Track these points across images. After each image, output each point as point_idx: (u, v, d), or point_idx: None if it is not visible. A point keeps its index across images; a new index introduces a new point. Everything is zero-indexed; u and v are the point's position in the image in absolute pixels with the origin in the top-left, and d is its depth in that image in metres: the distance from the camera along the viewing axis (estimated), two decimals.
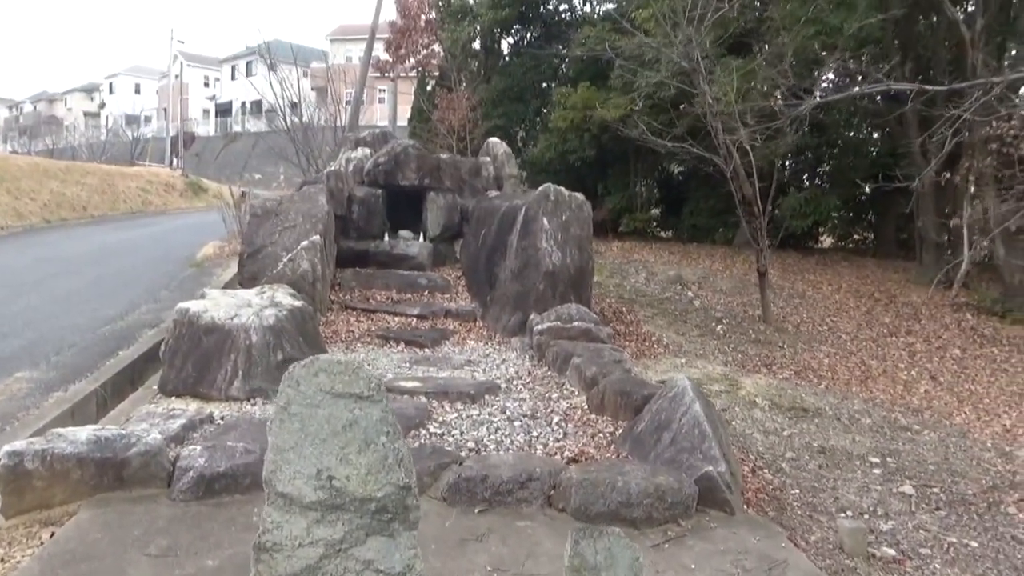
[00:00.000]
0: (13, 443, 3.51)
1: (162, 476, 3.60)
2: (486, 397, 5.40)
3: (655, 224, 18.77)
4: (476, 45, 20.09)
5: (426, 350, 6.89)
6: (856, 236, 17.72)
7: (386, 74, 24.71)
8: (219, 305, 5.54)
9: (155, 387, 5.44)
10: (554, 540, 3.30)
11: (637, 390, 5.04)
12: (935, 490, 4.61)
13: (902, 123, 12.61)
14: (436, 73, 22.87)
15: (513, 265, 7.79)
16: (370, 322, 7.61)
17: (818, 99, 7.07)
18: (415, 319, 7.81)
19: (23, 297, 8.95)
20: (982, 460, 5.48)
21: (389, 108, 27.26)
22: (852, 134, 15.84)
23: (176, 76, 44.51)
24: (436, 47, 22.77)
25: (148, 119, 55.17)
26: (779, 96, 8.44)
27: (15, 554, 3.07)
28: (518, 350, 7.01)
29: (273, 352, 5.26)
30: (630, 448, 4.36)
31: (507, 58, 19.25)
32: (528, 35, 18.60)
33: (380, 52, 24.61)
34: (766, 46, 11.09)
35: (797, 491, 4.37)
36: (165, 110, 51.39)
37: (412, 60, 23.38)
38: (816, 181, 16.57)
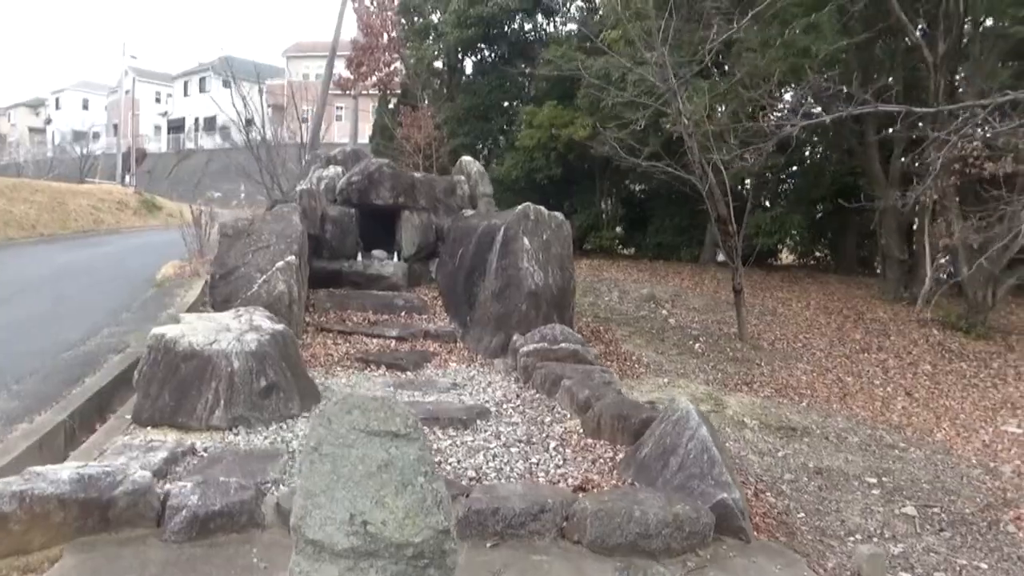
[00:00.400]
0: None
1: (151, 516, 3.37)
2: (478, 422, 5.25)
3: (618, 242, 18.86)
4: (440, 63, 20.04)
5: (408, 373, 6.71)
6: (817, 253, 18.05)
7: (347, 91, 24.50)
8: (196, 330, 5.29)
9: (128, 416, 5.16)
10: (572, 574, 3.16)
11: (635, 413, 4.95)
12: (935, 510, 4.60)
13: (863, 144, 12.88)
14: (399, 91, 22.76)
15: (493, 285, 7.66)
16: (348, 345, 7.39)
17: (802, 120, 7.11)
18: (394, 341, 7.62)
19: None
20: (971, 477, 5.52)
21: (350, 126, 26.99)
22: (813, 154, 16.17)
23: (127, 91, 43.47)
24: (399, 65, 22.69)
25: (96, 135, 53.76)
26: (761, 116, 8.49)
27: None
28: (502, 372, 6.87)
29: (256, 379, 5.03)
30: (635, 474, 4.26)
31: (472, 77, 19.21)
32: (493, 54, 18.59)
33: (341, 69, 24.43)
34: (735, 68, 11.21)
35: (803, 514, 4.31)
36: (115, 126, 50.15)
37: (374, 78, 23.23)
38: (779, 200, 16.83)
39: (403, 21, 21.19)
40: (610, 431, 4.95)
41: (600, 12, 14.11)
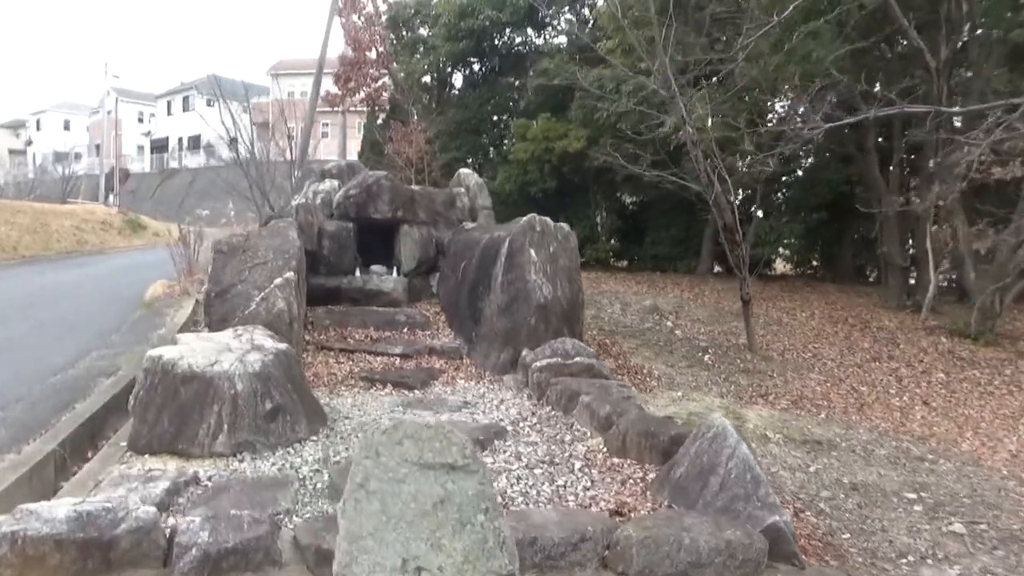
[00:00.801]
0: None
1: (157, 555, 3.07)
2: (496, 442, 4.98)
3: (611, 254, 18.69)
4: (430, 78, 19.88)
5: (416, 392, 6.43)
6: (813, 262, 17.94)
7: (335, 107, 24.24)
8: (196, 351, 5.00)
9: (123, 444, 4.85)
10: None
11: (662, 430, 4.71)
12: (983, 527, 4.38)
13: (863, 150, 12.78)
14: (387, 106, 22.58)
15: (500, 300, 7.41)
16: (351, 363, 7.11)
17: (826, 124, 6.93)
18: (398, 358, 7.34)
19: None
20: (1008, 490, 5.30)
21: (338, 142, 26.74)
22: (810, 161, 16.08)
23: (110, 111, 43.04)
24: (387, 80, 22.48)
25: (78, 156, 53.12)
26: (778, 121, 8.29)
27: None
28: (513, 389, 6.61)
29: (261, 401, 4.74)
30: (671, 495, 4.00)
31: (463, 90, 19.06)
32: (484, 67, 18.45)
33: (328, 85, 24.18)
34: (734, 76, 11.08)
35: (848, 535, 4.07)
36: (98, 146, 49.69)
37: (362, 93, 22.99)
38: (776, 209, 16.72)
39: (391, 36, 21.05)
40: (637, 450, 4.70)
41: (595, 22, 13.93)
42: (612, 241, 18.45)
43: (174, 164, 52.25)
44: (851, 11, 10.21)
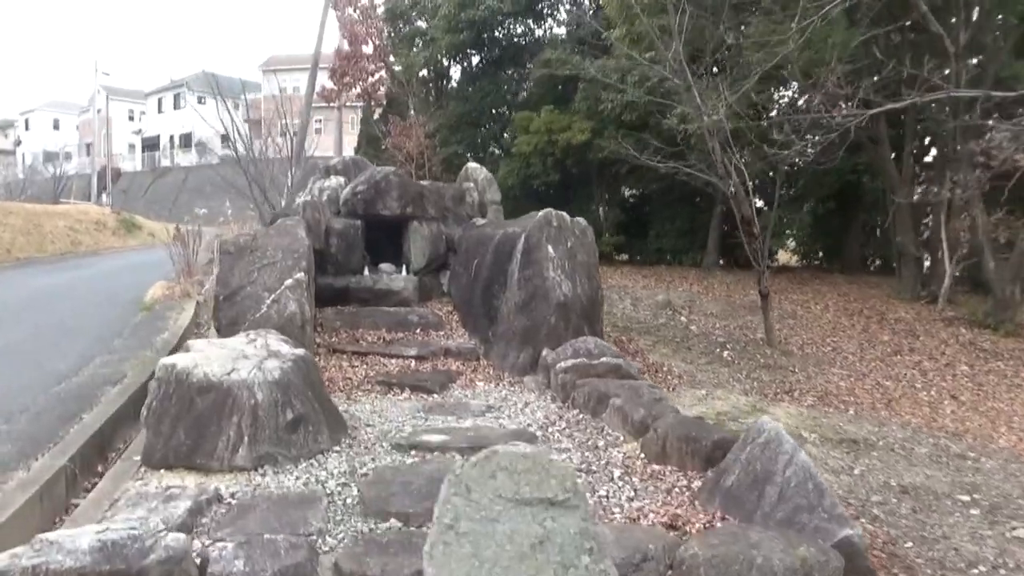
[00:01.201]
0: None
1: None
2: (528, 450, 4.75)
3: (613, 248, 18.48)
4: (428, 71, 19.58)
5: (435, 396, 6.20)
6: (820, 253, 17.75)
7: (331, 103, 23.93)
8: (210, 358, 4.74)
9: (137, 458, 4.60)
10: None
11: (704, 435, 4.49)
12: None
13: (875, 139, 12.57)
14: (384, 101, 22.29)
15: (516, 298, 7.18)
16: (365, 366, 6.86)
17: (870, 110, 6.70)
18: (413, 360, 7.10)
19: None
20: None
21: (333, 138, 26.41)
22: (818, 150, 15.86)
23: (100, 110, 42.54)
24: (383, 74, 22.18)
25: (68, 155, 52.59)
26: (821, 108, 7.99)
27: None
28: (535, 391, 6.38)
29: (282, 411, 4.50)
30: (722, 506, 3.78)
31: (463, 83, 18.77)
32: (484, 59, 18.16)
33: (323, 80, 23.86)
34: (750, 64, 10.85)
35: (910, 544, 3.86)
36: (88, 145, 49.18)
37: (358, 88, 22.69)
38: (784, 199, 16.50)
39: (388, 29, 20.74)
40: (678, 455, 4.47)
41: (602, 11, 13.65)
42: (615, 235, 18.23)
43: (166, 162, 51.74)
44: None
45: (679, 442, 4.49)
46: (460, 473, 1.57)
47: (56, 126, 59.42)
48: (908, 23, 9.76)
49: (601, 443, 4.97)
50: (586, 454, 4.74)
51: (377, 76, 22.06)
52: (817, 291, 13.04)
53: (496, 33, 17.52)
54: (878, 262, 17.48)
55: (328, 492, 3.98)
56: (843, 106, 7.43)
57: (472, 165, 10.31)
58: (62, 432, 5.34)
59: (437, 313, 8.28)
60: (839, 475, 4.92)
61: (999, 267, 9.97)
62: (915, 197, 11.12)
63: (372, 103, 22.81)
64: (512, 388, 6.52)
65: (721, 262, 16.60)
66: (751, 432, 4.04)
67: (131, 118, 56.07)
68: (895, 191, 11.84)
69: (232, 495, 3.93)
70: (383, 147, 18.71)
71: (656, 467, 4.48)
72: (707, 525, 3.59)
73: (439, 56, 18.31)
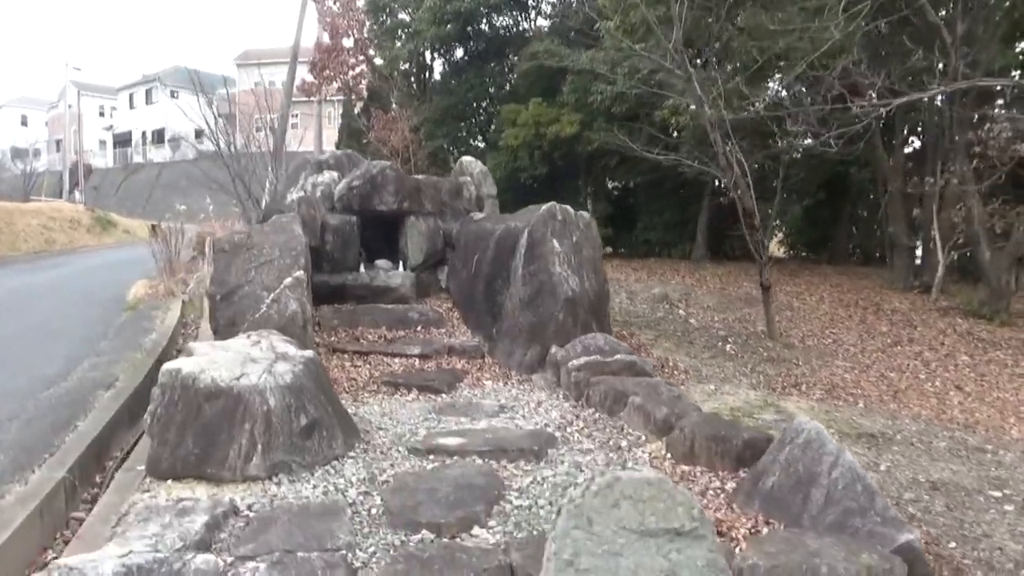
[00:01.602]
0: None
1: None
2: (549, 452, 4.60)
3: (601, 241, 18.36)
4: (412, 64, 19.30)
5: (444, 396, 6.02)
6: (809, 244, 17.79)
7: (311, 97, 23.51)
8: (216, 362, 4.52)
9: (141, 468, 4.37)
10: None
11: (733, 434, 4.37)
12: None
13: (865, 130, 12.53)
14: (365, 94, 21.97)
15: (522, 293, 7.01)
16: (369, 366, 6.66)
17: (896, 100, 6.60)
18: (417, 359, 6.91)
19: None
20: None
21: (314, 132, 26.00)
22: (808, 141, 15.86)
23: (70, 105, 41.60)
24: (364, 67, 21.84)
25: (38, 152, 51.45)
26: (847, 99, 7.83)
27: None
28: (546, 389, 6.23)
29: (296, 417, 4.29)
30: (763, 509, 3.65)
31: (448, 76, 18.52)
32: (470, 52, 17.92)
33: (302, 74, 23.42)
34: (740, 54, 10.76)
35: (953, 544, 3.76)
36: (58, 142, 48.13)
37: (338, 81, 22.31)
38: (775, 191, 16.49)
39: (369, 22, 20.40)
40: (707, 456, 4.34)
41: (593, 1, 13.48)
42: (603, 228, 18.11)
43: (138, 158, 50.85)
44: None
45: (708, 441, 4.36)
46: (580, 503, 1.41)
47: (24, 122, 58.15)
48: (902, 16, 9.71)
49: (624, 443, 4.83)
50: (610, 455, 4.60)
51: (358, 70, 21.69)
52: (809, 283, 13.03)
53: (481, 25, 17.29)
54: (868, 253, 17.56)
55: (350, 501, 3.79)
56: (872, 95, 7.33)
57: (467, 159, 10.11)
58: (56, 441, 5.08)
59: (437, 310, 8.09)
60: (867, 471, 4.80)
61: (995, 257, 9.99)
62: (909, 188, 11.10)
63: (353, 97, 22.47)
64: (521, 387, 6.36)
65: (710, 254, 16.56)
66: (789, 432, 3.91)
67: (102, 114, 54.94)
68: (888, 182, 11.83)
69: (249, 507, 3.73)
70: (365, 141, 18.43)
71: (685, 468, 4.35)
72: (752, 531, 3.46)
73: (423, 49, 18.05)
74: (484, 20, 17.16)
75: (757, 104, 9.11)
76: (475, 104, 18.06)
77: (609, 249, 18.00)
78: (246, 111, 19.14)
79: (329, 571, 2.78)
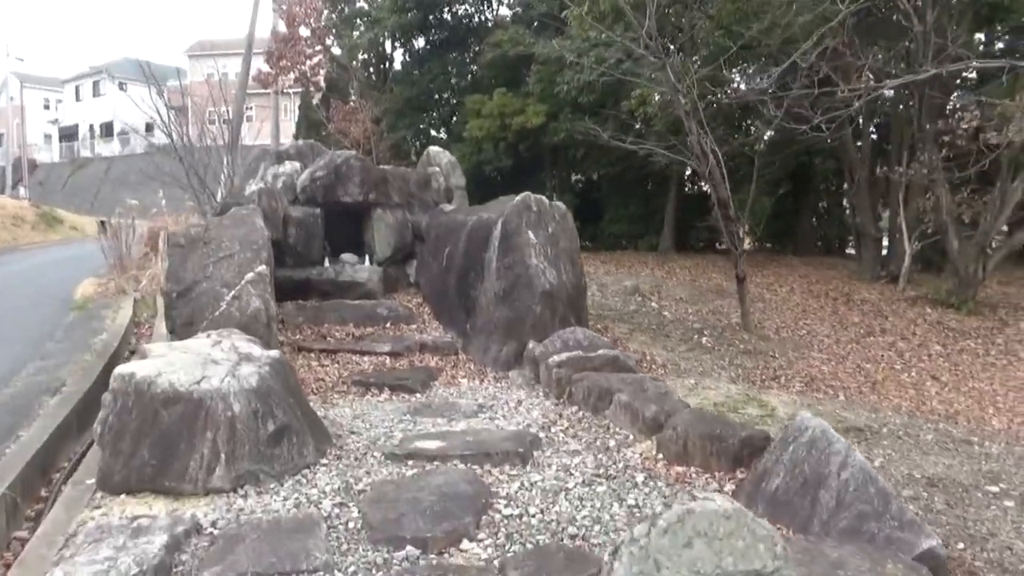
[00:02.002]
0: None
1: None
2: (534, 454, 4.34)
3: None
4: (371, 54, 18.84)
5: (419, 396, 5.73)
6: (775, 235, 17.82)
7: (267, 87, 22.86)
8: (174, 365, 4.16)
9: (90, 481, 3.99)
10: None
11: (729, 432, 4.16)
12: None
13: (833, 120, 12.52)
14: (324, 85, 21.46)
15: (496, 287, 6.74)
16: (337, 366, 6.34)
17: (894, 81, 6.46)
18: (388, 357, 6.60)
19: None
20: None
21: (271, 124, 25.33)
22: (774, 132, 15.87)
23: (12, 98, 39.98)
24: (322, 57, 21.31)
25: None
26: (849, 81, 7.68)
27: None
28: (524, 387, 5.98)
29: (263, 423, 3.96)
30: (768, 513, 3.44)
31: (409, 66, 18.10)
32: (432, 41, 17.53)
33: (258, 64, 22.75)
34: (709, 44, 10.62)
35: (961, 544, 3.61)
36: (0, 136, 46.23)
37: (296, 72, 21.73)
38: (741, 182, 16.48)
39: (327, 10, 19.87)
40: (701, 455, 4.13)
41: None
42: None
43: (86, 153, 49.11)
44: None
45: (702, 441, 4.15)
46: (646, 544, 1.17)
47: None
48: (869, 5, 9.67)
49: (612, 443, 4.60)
50: (599, 456, 4.36)
51: (316, 59, 21.14)
52: (777, 274, 13.01)
53: (444, 13, 16.91)
54: (829, 244, 17.66)
55: (325, 515, 3.48)
56: (870, 77, 7.20)
57: (435, 148, 9.79)
58: None
59: (407, 305, 7.78)
60: None
61: (963, 246, 10.03)
62: (865, 179, 11.10)
63: (311, 88, 21.91)
64: (499, 384, 6.10)
65: (676, 246, 16.49)
66: (791, 430, 3.72)
67: (47, 107, 52.98)
68: (855, 171, 11.83)
69: (213, 524, 3.40)
70: (325, 133, 17.94)
71: (679, 469, 4.13)
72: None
73: (383, 38, 17.61)
74: (446, 8, 16.78)
75: (733, 89, 8.96)
76: (438, 95, 17.68)
77: (587, 243, 17.86)
78: (199, 103, 18.51)
79: None
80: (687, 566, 1.17)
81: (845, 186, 18.15)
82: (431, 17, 16.66)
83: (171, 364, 4.17)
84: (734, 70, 11.95)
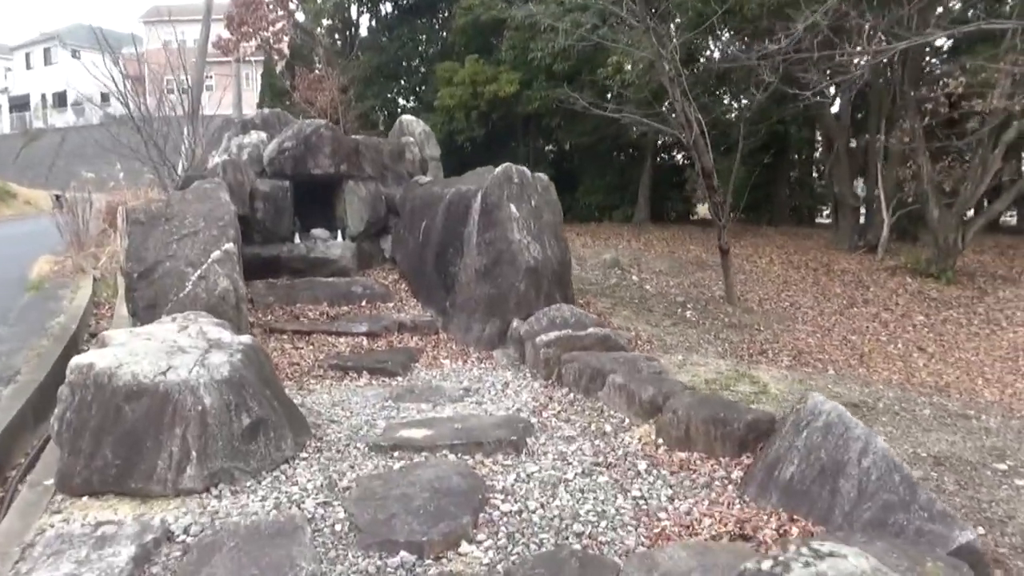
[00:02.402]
0: None
1: None
2: (528, 441, 4.10)
3: None
4: (338, 19, 18.20)
5: (400, 379, 5.46)
6: (750, 206, 17.71)
7: (228, 54, 22.02)
8: (136, 354, 3.82)
9: (49, 483, 3.67)
10: None
11: (733, 416, 3.95)
12: None
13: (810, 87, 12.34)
14: (287, 52, 20.74)
15: (477, 263, 6.45)
16: (312, 348, 6.02)
17: (899, 44, 6.23)
18: (365, 338, 6.30)
19: None
20: None
21: (233, 93, 24.45)
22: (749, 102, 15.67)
23: None
24: (285, 23, 20.54)
25: None
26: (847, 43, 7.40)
27: None
28: (510, 368, 5.73)
29: (236, 416, 3.66)
30: (782, 503, 3.26)
31: (377, 32, 17.51)
32: (400, 6, 16.96)
33: (218, 30, 21.88)
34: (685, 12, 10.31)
35: (981, 529, 3.45)
36: None
37: (258, 38, 20.93)
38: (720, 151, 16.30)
39: None
40: (704, 441, 3.93)
41: None
42: None
43: (39, 124, 47.33)
44: None
45: (705, 425, 3.94)
46: None
47: None
48: None
49: (608, 428, 4.38)
50: (596, 442, 4.14)
51: (279, 25, 20.34)
52: (755, 245, 12.90)
53: None
54: (801, 214, 17.61)
55: (309, 516, 3.21)
56: (881, 37, 6.96)
57: (408, 117, 9.40)
58: None
59: (383, 283, 7.46)
60: None
61: (943, 215, 9.96)
62: (844, 148, 10.97)
63: (274, 55, 21.16)
64: (483, 366, 5.84)
65: (651, 217, 16.31)
66: (804, 414, 3.52)
67: None
68: (834, 139, 11.68)
69: (185, 530, 3.10)
70: (289, 102, 17.33)
71: (682, 455, 3.92)
72: (779, 531, 3.05)
73: (349, 3, 16.99)
74: None
75: (724, 53, 8.69)
76: (407, 63, 17.16)
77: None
78: (157, 71, 17.72)
79: None
80: None
81: (817, 155, 18.13)
82: None
83: (133, 353, 3.83)
84: (718, 35, 11.67)
